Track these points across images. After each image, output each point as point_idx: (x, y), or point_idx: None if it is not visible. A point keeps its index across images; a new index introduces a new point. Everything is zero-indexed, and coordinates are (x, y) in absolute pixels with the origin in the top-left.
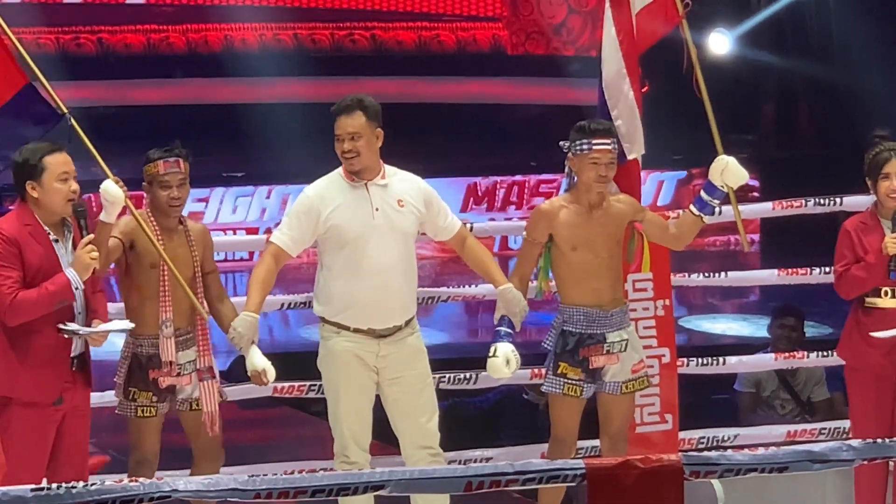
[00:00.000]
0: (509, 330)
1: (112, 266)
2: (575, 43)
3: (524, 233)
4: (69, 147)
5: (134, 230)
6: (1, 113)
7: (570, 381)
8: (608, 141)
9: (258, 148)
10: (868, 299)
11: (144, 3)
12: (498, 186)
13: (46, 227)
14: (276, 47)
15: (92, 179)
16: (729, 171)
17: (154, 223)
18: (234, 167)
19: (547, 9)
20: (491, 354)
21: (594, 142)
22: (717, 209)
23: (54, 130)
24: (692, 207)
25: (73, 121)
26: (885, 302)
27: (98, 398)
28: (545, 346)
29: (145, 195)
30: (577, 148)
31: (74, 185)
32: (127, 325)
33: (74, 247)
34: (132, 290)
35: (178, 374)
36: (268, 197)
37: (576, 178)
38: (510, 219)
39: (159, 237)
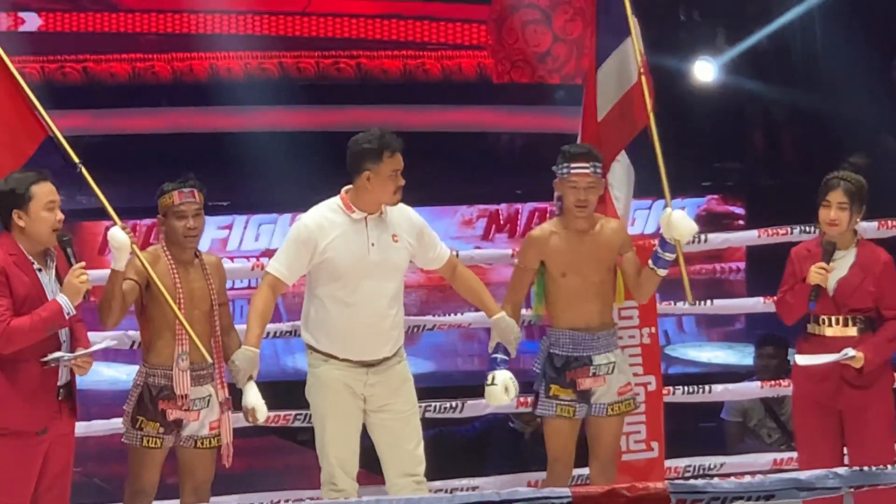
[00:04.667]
0: (505, 357)
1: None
2: (560, 71)
3: (515, 260)
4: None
5: (150, 266)
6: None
7: (562, 403)
8: (587, 165)
9: (243, 177)
10: (810, 326)
11: (130, 31)
12: (483, 215)
13: (30, 257)
14: (262, 76)
15: (77, 209)
16: (672, 224)
17: (170, 257)
18: (219, 196)
19: (532, 37)
20: (489, 382)
21: (572, 166)
22: (670, 263)
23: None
24: (649, 261)
25: (83, 170)
26: (823, 330)
27: (85, 427)
28: (535, 368)
29: (160, 228)
30: (559, 172)
31: (60, 215)
32: (109, 341)
33: (59, 277)
34: (148, 323)
35: (188, 409)
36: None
37: (563, 203)
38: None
39: (175, 271)
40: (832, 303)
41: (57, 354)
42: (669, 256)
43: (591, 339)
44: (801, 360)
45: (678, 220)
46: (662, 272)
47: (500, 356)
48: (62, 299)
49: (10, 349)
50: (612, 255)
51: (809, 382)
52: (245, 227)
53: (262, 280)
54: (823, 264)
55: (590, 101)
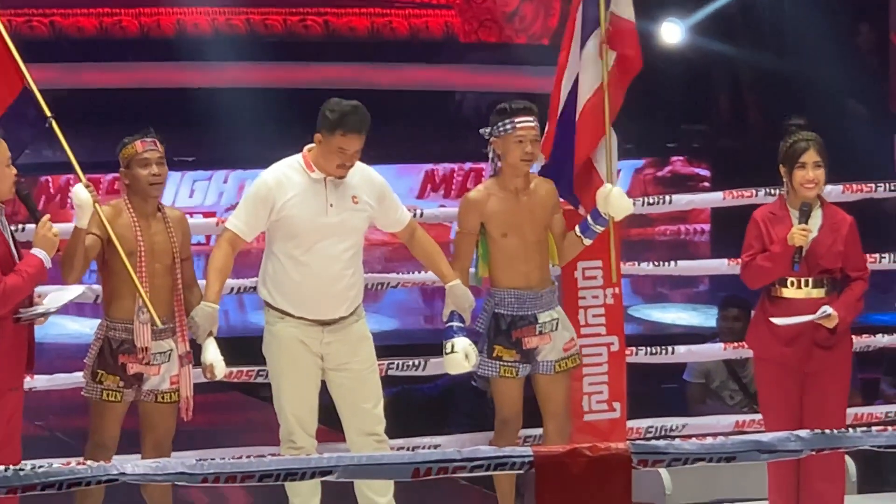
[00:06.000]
0: (461, 324)
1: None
2: (527, 31)
3: (457, 226)
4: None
5: (110, 222)
6: (7, 117)
7: (505, 364)
8: (531, 119)
9: (210, 132)
10: (775, 289)
11: None
12: (452, 174)
13: None
14: (229, 32)
15: (42, 162)
16: (609, 201)
17: (132, 211)
18: (185, 151)
19: None
20: (448, 351)
21: (517, 120)
22: (597, 234)
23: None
24: (577, 228)
25: (54, 124)
26: (791, 292)
27: (48, 381)
28: (478, 328)
29: (123, 182)
30: (501, 129)
31: (14, 169)
32: (78, 289)
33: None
34: (109, 277)
35: (148, 364)
36: (224, 181)
37: (500, 163)
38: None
39: (137, 224)
40: (803, 264)
41: (41, 309)
42: (598, 229)
43: (535, 297)
44: (779, 320)
45: (616, 197)
46: (588, 242)
47: (456, 324)
48: (41, 254)
49: (7, 309)
50: (546, 215)
51: (778, 345)
52: (218, 181)
53: (220, 236)
54: (805, 225)
55: (561, 68)
